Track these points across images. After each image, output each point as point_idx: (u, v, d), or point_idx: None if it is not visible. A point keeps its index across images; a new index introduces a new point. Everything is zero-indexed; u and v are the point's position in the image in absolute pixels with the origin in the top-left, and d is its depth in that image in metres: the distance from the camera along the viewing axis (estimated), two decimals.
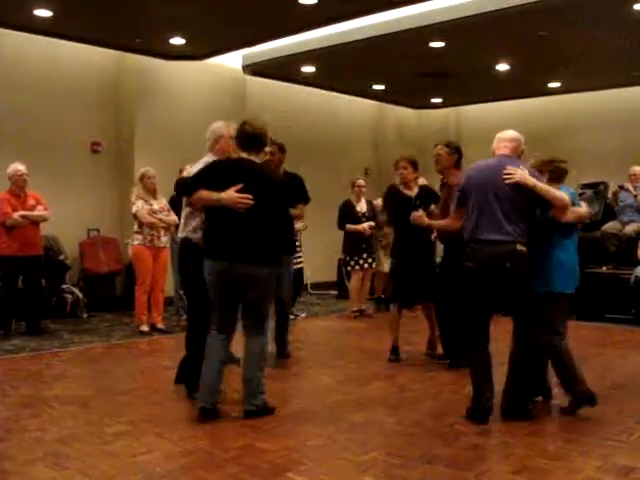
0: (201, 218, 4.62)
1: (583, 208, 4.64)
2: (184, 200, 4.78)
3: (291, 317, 8.40)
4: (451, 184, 5.49)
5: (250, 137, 4.43)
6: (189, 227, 4.78)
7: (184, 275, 5.02)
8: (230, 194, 4.23)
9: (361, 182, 9.08)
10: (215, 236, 4.35)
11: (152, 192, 7.69)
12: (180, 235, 4.92)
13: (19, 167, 7.40)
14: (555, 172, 4.60)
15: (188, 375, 4.84)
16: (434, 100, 12.62)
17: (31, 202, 7.46)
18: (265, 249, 4.31)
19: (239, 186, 4.24)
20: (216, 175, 4.38)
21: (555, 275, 4.42)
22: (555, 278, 4.42)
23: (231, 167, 4.46)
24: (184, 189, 4.61)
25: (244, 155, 4.44)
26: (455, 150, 5.85)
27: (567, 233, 4.51)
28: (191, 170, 4.83)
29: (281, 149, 6.12)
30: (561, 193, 4.36)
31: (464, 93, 11.75)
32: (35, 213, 7.44)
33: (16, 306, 7.49)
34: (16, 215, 7.28)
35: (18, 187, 7.42)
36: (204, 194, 4.31)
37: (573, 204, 4.49)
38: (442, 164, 5.81)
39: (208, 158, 4.75)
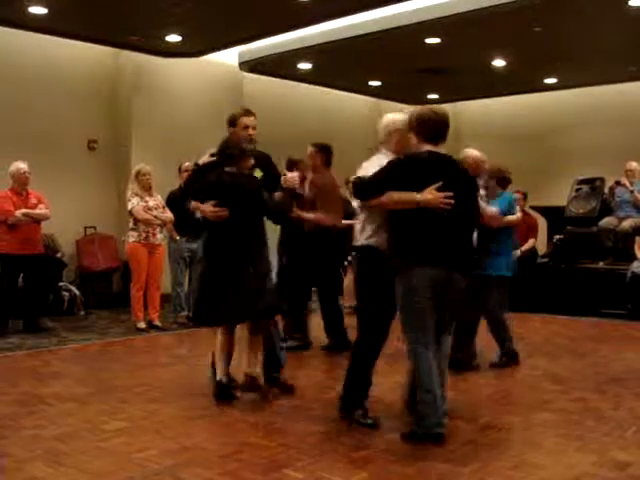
0: (377, 222, 4.09)
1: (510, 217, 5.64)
2: (359, 203, 4.19)
3: None
4: (314, 181, 6.25)
5: (436, 125, 3.94)
6: (367, 233, 4.14)
7: (367, 287, 4.17)
8: (435, 194, 3.78)
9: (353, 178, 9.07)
10: (429, 241, 3.84)
11: (147, 189, 7.70)
12: (360, 242, 4.21)
13: (21, 165, 7.39)
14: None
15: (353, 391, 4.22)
16: (430, 96, 12.59)
17: (33, 201, 7.45)
18: (472, 256, 4.09)
19: (438, 184, 3.79)
20: (407, 174, 3.88)
21: None
22: None
23: (425, 163, 3.92)
24: (368, 192, 4.00)
25: (429, 147, 3.92)
26: (322, 149, 6.41)
27: None
28: (365, 170, 4.14)
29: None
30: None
31: (460, 89, 11.74)
32: (37, 211, 7.42)
33: (14, 304, 7.45)
34: (18, 213, 7.26)
35: (20, 185, 7.41)
36: (402, 196, 3.83)
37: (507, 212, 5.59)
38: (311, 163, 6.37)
39: (383, 155, 4.17)
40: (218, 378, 4.66)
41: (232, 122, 5.02)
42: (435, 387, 3.82)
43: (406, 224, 3.88)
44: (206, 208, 4.62)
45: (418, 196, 3.78)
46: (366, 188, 4.01)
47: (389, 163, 3.95)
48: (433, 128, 3.92)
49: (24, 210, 7.32)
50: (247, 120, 4.97)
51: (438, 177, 3.82)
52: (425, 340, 3.85)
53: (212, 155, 4.86)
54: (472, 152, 5.37)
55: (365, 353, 4.16)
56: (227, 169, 4.66)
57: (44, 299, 7.95)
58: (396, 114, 4.27)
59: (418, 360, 3.87)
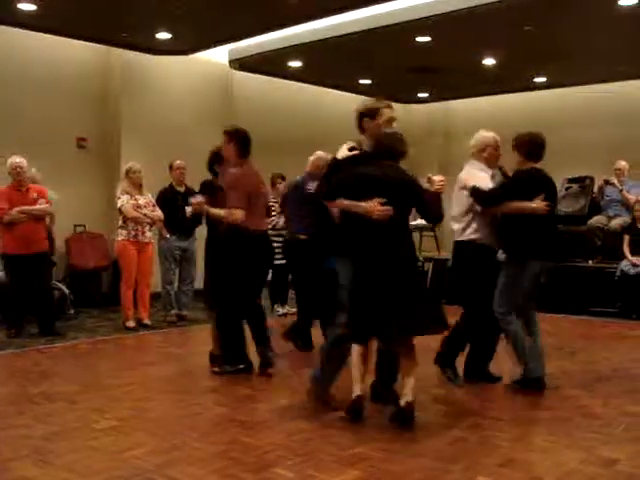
0: (483, 222, 4.93)
1: None
2: (478, 207, 4.89)
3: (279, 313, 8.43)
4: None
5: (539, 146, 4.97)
6: (472, 229, 4.95)
7: (470, 274, 5.04)
8: (540, 203, 4.77)
9: None
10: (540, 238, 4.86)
11: (138, 187, 7.66)
12: (464, 237, 4.99)
13: (16, 160, 7.05)
14: None
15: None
16: (421, 95, 12.61)
17: (33, 196, 7.11)
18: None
19: (540, 196, 4.78)
20: (523, 188, 4.86)
21: None
22: None
23: (534, 179, 4.89)
24: (493, 201, 4.86)
25: (534, 165, 4.91)
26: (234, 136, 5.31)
27: None
28: (474, 179, 4.90)
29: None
30: None
31: (451, 88, 11.75)
32: (35, 207, 7.08)
33: (25, 304, 7.23)
34: (14, 211, 6.96)
35: (17, 181, 7.08)
36: (520, 205, 4.79)
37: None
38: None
39: (476, 165, 5.05)
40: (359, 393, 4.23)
41: (371, 114, 4.43)
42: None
43: (521, 225, 4.82)
44: (369, 206, 4.04)
45: (533, 205, 4.75)
46: (492, 198, 4.85)
47: (516, 181, 4.93)
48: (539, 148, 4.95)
49: (20, 207, 6.98)
50: (390, 113, 4.41)
51: (540, 190, 4.79)
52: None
53: (352, 149, 4.40)
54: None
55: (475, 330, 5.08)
56: (387, 164, 4.23)
57: (51, 300, 7.54)
58: (488, 132, 5.13)
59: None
